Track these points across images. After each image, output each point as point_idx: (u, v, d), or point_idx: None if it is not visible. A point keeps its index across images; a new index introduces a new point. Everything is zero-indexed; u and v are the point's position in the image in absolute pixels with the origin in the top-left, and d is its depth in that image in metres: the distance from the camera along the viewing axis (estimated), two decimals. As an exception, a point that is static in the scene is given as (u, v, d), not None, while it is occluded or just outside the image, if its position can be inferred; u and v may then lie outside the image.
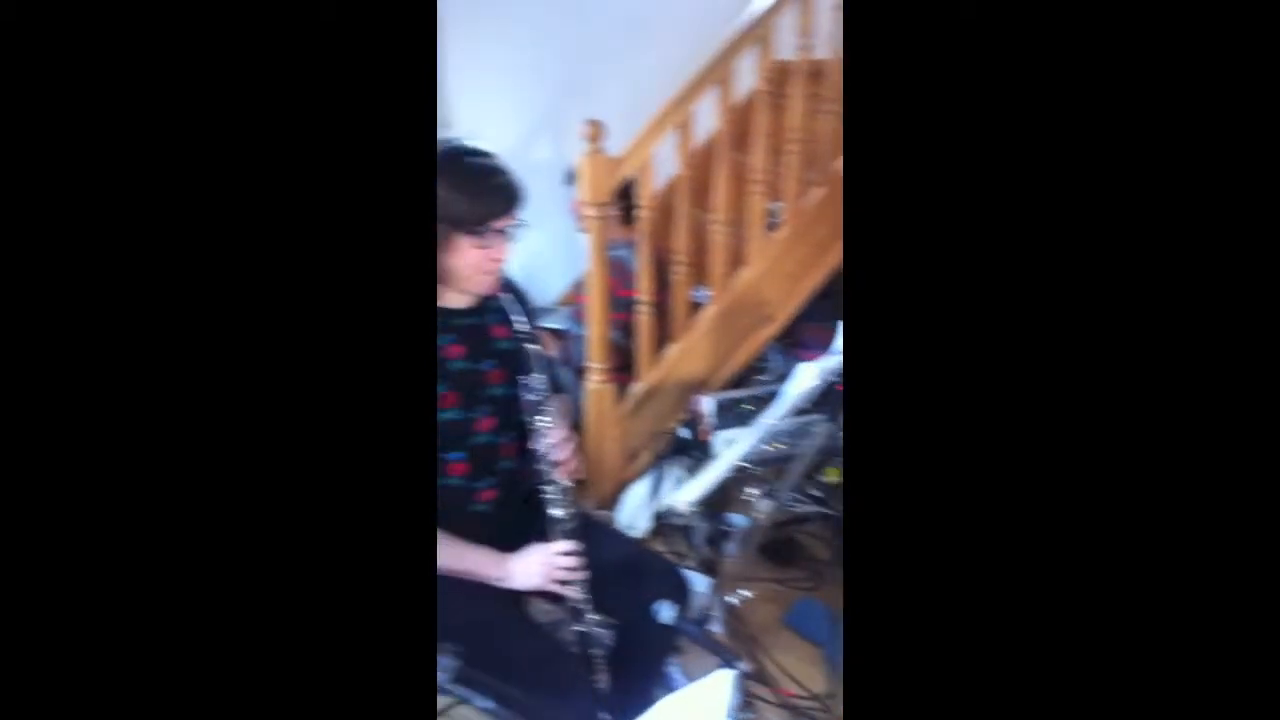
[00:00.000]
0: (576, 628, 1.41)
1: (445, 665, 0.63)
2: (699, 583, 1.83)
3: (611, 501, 2.52)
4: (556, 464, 1.42)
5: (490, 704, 0.61)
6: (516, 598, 1.57)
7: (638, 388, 2.59)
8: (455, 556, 1.39)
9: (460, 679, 0.63)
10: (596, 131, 2.28)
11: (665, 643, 1.48)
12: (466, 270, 1.37)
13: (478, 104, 3.04)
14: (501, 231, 1.36)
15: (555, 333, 2.79)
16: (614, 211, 2.68)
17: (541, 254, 2.88)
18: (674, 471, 2.42)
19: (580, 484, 2.27)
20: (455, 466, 1.44)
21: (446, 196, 1.30)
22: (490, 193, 1.33)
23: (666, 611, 1.33)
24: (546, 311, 3.03)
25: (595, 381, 2.47)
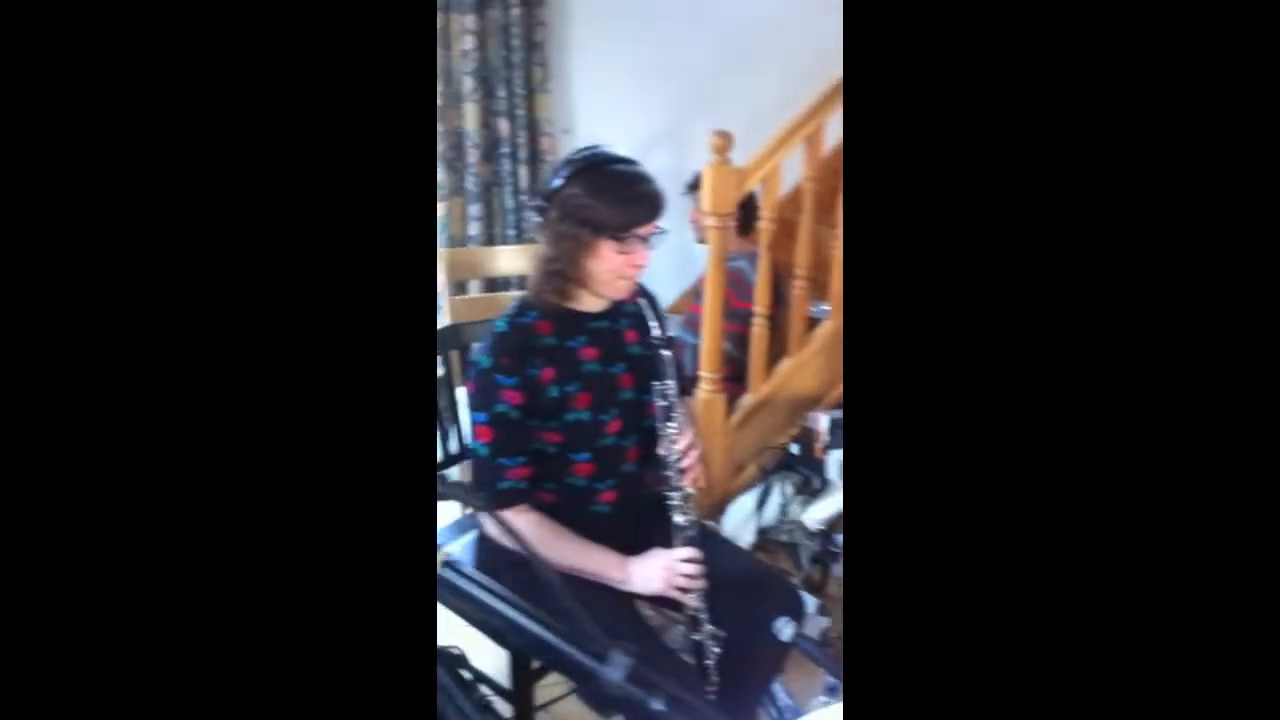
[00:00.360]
0: (691, 636, 1.41)
1: (620, 663, 0.63)
2: (808, 603, 1.81)
3: (716, 513, 2.50)
4: (682, 471, 1.42)
5: (662, 705, 0.61)
6: (629, 599, 1.58)
7: (748, 400, 2.57)
8: (579, 555, 1.40)
9: (633, 678, 0.63)
10: (725, 142, 2.28)
11: (777, 659, 1.46)
12: (606, 275, 1.39)
13: (600, 107, 3.08)
14: (643, 238, 1.37)
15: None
16: (733, 222, 2.69)
17: (654, 261, 2.89)
18: (782, 487, 2.38)
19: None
20: (581, 467, 1.46)
21: (590, 202, 1.32)
22: (635, 200, 1.35)
23: (787, 629, 1.32)
24: (659, 319, 3.03)
25: (706, 391, 2.47)
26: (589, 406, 1.43)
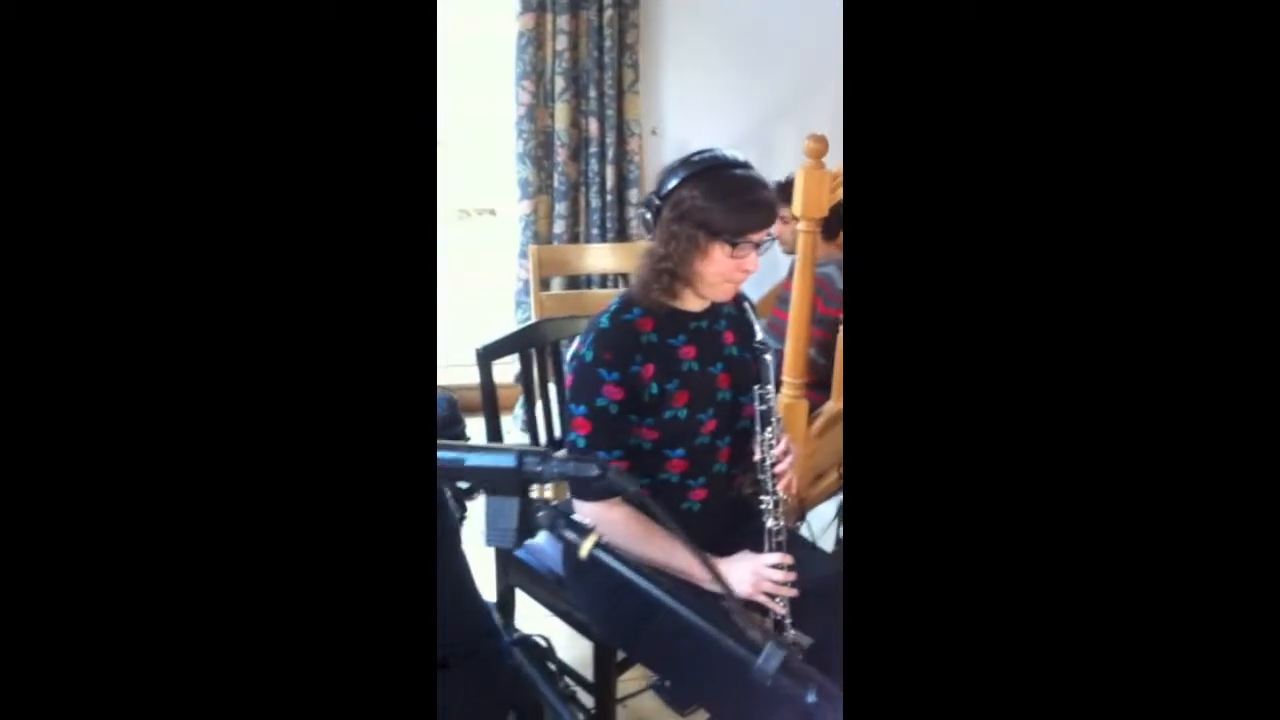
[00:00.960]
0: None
1: (775, 654, 0.62)
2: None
3: (795, 519, 2.48)
4: (777, 475, 1.42)
5: (814, 697, 0.61)
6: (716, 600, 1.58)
7: (830, 407, 2.54)
8: (668, 552, 1.41)
9: (785, 670, 0.63)
10: (820, 147, 2.26)
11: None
12: (715, 278, 1.39)
13: (688, 110, 3.09)
14: (755, 244, 1.37)
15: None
16: (819, 227, 2.66)
17: (741, 265, 2.89)
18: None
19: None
20: (675, 463, 1.46)
21: (707, 205, 1.33)
22: (752, 205, 1.35)
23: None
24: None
25: (789, 396, 2.45)
26: (687, 404, 1.43)
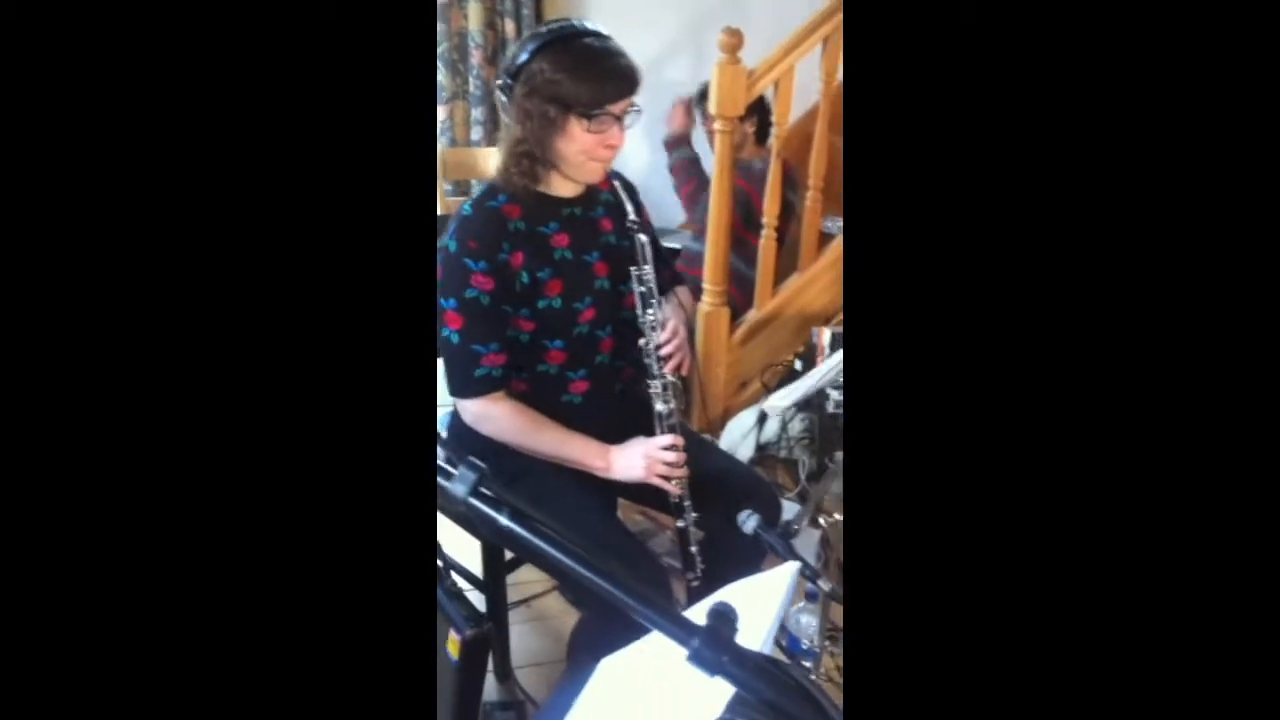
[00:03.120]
0: (675, 523, 1.40)
1: (465, 477, 0.58)
2: (790, 511, 1.77)
3: (716, 428, 2.46)
4: (664, 358, 1.38)
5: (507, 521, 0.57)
6: (611, 505, 1.55)
7: (752, 315, 2.50)
8: (559, 443, 1.37)
9: (477, 492, 0.59)
10: (735, 41, 2.17)
11: (748, 554, 1.42)
12: (577, 156, 1.32)
13: (613, 10, 2.96)
14: (616, 116, 1.30)
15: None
16: (749, 129, 2.58)
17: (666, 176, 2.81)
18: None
19: (686, 384, 2.22)
20: (553, 355, 1.41)
21: (557, 77, 1.25)
22: (605, 75, 1.27)
23: (750, 522, 1.27)
24: (669, 233, 2.96)
25: (710, 304, 2.40)
26: (561, 294, 1.38)
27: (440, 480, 0.59)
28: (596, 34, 1.29)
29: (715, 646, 0.54)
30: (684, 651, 0.54)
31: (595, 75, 1.26)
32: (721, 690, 0.58)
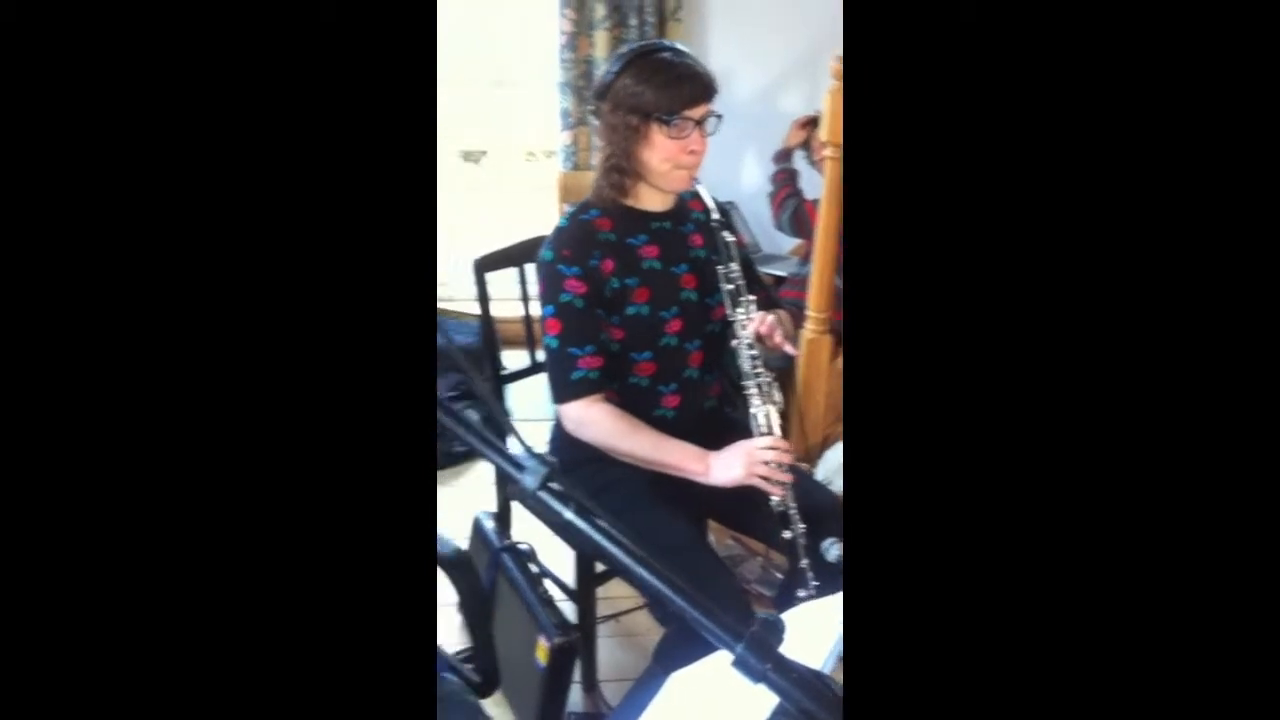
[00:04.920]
0: (782, 534, 1.36)
1: (535, 470, 0.62)
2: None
3: (814, 456, 2.44)
4: (756, 357, 1.38)
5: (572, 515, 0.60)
6: (700, 525, 1.57)
7: (859, 344, 2.47)
8: (654, 447, 1.40)
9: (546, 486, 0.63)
10: (849, 68, 2.17)
11: (831, 585, 1.41)
12: (661, 165, 1.38)
13: (733, 39, 3.01)
14: (696, 121, 1.35)
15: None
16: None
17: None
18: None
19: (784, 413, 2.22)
20: (642, 366, 1.45)
21: (638, 89, 1.33)
22: (678, 80, 1.33)
23: (834, 550, 1.28)
24: (778, 259, 2.97)
25: (812, 331, 2.39)
26: (648, 301, 1.42)
27: (513, 473, 0.64)
28: (674, 49, 1.37)
29: (759, 654, 0.56)
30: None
31: (671, 81, 1.33)
32: (768, 701, 0.59)
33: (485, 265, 1.77)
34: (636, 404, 1.47)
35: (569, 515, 0.61)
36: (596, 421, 1.42)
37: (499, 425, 0.63)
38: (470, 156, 5.41)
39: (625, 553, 0.60)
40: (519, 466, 0.63)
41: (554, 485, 0.62)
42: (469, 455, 2.61)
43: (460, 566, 1.38)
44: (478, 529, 1.73)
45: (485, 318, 1.79)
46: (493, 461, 0.66)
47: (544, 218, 3.08)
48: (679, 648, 1.34)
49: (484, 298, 1.77)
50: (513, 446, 0.70)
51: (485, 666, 1.22)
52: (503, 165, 5.63)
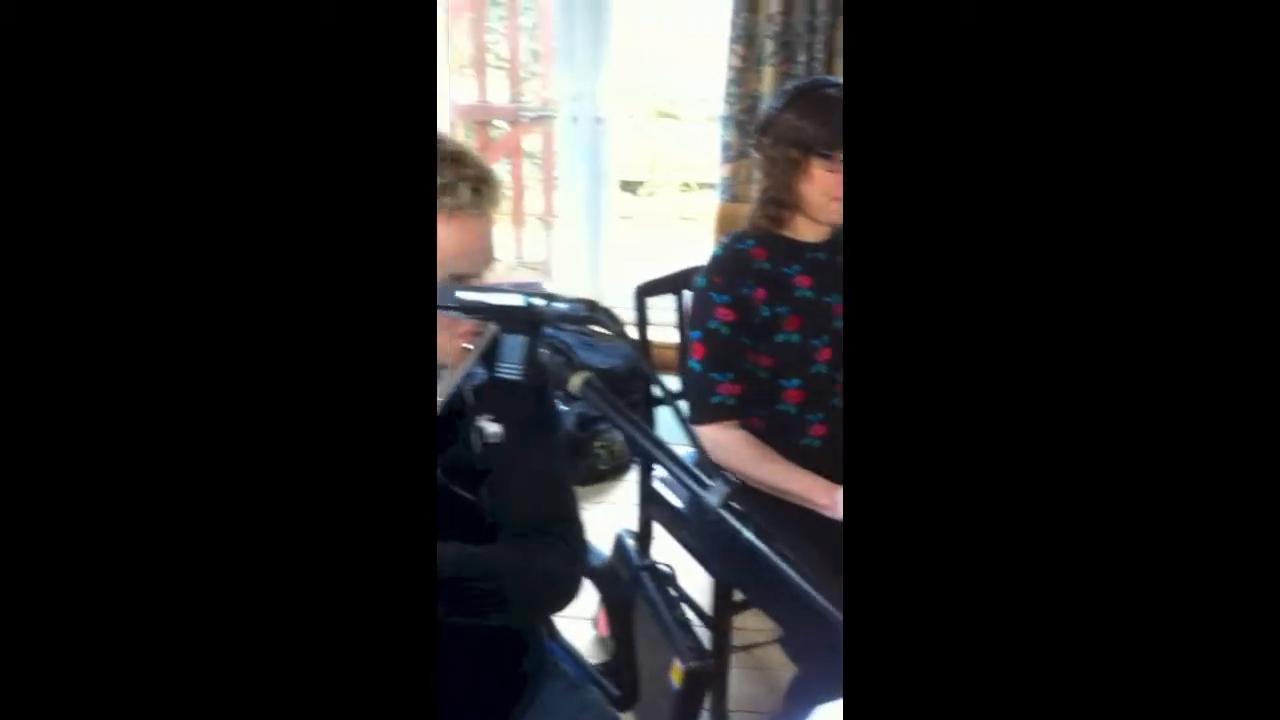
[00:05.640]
0: None
1: (719, 490, 0.63)
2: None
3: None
4: None
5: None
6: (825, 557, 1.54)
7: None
8: (784, 476, 1.41)
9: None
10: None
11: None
12: (819, 198, 1.39)
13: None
14: None
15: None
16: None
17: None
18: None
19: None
20: (791, 394, 1.46)
21: (800, 123, 1.35)
22: (840, 116, 1.34)
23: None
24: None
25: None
26: (800, 329, 1.43)
27: (696, 489, 0.66)
28: (838, 84, 1.38)
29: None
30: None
31: (833, 117, 1.33)
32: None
33: (646, 291, 1.81)
34: (783, 431, 1.47)
35: (748, 535, 0.62)
36: (729, 446, 1.44)
37: (642, 445, 0.65)
38: (628, 186, 5.57)
39: (807, 581, 0.60)
40: (703, 483, 0.65)
41: (735, 504, 0.64)
42: (614, 473, 2.67)
43: (609, 580, 1.42)
44: (619, 546, 1.78)
45: (643, 342, 1.83)
46: (675, 475, 0.68)
47: (698, 248, 3.13)
48: (814, 686, 1.33)
49: (643, 322, 1.82)
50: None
51: (627, 681, 1.24)
52: (660, 195, 5.76)
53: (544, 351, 0.72)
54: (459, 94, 3.47)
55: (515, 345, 0.72)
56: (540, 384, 0.81)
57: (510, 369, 0.72)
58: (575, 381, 0.70)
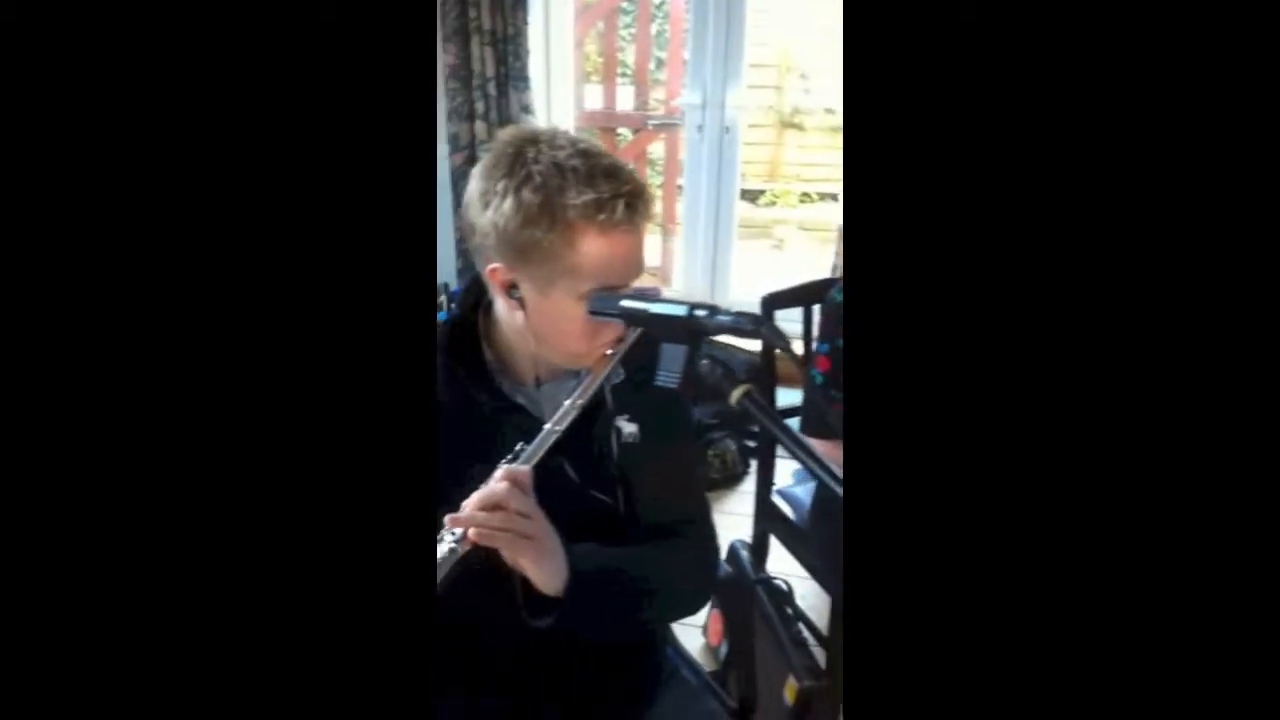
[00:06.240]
0: None
1: None
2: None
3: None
4: None
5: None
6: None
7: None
8: None
9: None
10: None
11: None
12: None
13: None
14: None
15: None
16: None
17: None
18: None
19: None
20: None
21: None
22: None
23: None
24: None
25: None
26: None
27: (836, 488, 0.65)
28: None
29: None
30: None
31: None
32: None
33: (773, 303, 1.81)
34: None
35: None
36: (836, 462, 1.42)
37: (804, 460, 0.64)
38: (748, 195, 5.55)
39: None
40: (838, 480, 0.65)
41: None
42: (726, 482, 2.67)
43: (729, 590, 1.41)
44: (734, 557, 1.76)
45: (767, 353, 1.83)
46: (822, 480, 0.68)
47: (817, 260, 3.08)
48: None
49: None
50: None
51: (745, 693, 1.23)
52: (780, 204, 5.72)
53: (704, 362, 0.72)
54: (587, 100, 3.54)
55: (675, 354, 0.73)
56: (698, 395, 0.82)
57: (669, 377, 0.72)
58: (735, 394, 0.70)
